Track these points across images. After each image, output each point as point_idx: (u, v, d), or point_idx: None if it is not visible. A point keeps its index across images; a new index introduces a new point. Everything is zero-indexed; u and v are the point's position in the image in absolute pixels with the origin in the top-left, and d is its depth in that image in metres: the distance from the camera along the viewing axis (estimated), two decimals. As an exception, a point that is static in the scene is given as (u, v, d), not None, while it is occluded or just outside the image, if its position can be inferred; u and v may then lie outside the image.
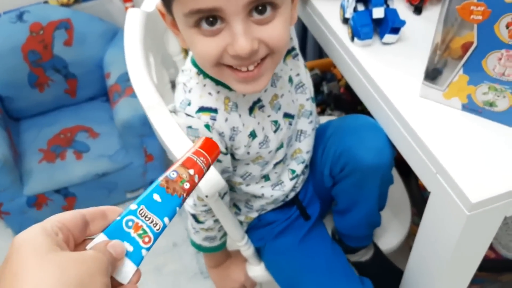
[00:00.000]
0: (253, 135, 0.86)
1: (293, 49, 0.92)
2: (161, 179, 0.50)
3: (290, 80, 0.92)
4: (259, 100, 0.86)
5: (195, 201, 0.92)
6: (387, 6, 0.87)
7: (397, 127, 0.81)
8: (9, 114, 1.75)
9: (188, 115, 0.80)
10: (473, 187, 0.68)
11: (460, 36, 0.72)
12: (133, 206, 0.48)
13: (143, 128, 1.57)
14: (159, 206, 0.49)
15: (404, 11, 0.97)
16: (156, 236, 0.48)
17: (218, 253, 1.07)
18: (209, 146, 0.53)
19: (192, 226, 0.98)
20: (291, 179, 0.99)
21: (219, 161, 0.86)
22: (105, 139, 1.70)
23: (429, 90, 0.79)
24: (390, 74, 0.84)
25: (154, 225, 0.48)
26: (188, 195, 0.51)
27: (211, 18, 0.65)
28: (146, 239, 0.47)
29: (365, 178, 0.90)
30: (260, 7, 0.66)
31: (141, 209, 0.48)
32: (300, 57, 0.94)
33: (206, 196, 0.75)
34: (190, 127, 0.80)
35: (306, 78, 0.96)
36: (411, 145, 0.78)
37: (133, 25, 0.87)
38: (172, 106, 0.84)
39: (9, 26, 1.61)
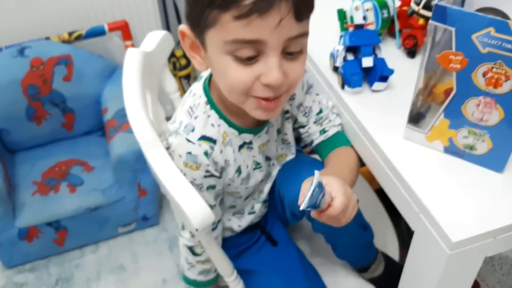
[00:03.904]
0: (239, 171, 0.91)
1: (287, 112, 0.97)
2: None
3: (279, 131, 0.98)
4: (250, 142, 0.91)
5: (193, 233, 0.94)
6: (376, 55, 0.92)
7: (382, 167, 0.84)
8: (5, 146, 1.77)
9: (189, 141, 0.84)
10: (454, 227, 0.71)
11: (443, 82, 0.76)
12: None
13: (137, 163, 1.59)
14: None
15: (398, 54, 1.02)
16: None
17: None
18: None
19: (187, 261, 1.00)
20: (249, 213, 1.05)
21: (213, 187, 0.90)
22: (100, 173, 1.72)
23: (413, 133, 0.83)
24: (378, 118, 0.89)
25: None
26: None
27: (250, 48, 0.71)
28: None
29: None
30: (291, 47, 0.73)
31: None
32: (291, 119, 0.99)
33: (197, 230, 0.77)
34: (189, 153, 0.84)
35: (292, 138, 1.02)
36: (395, 185, 0.81)
37: (131, 64, 0.91)
38: (174, 126, 0.87)
39: (10, 60, 1.66)
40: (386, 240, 1.19)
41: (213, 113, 0.86)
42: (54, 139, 1.84)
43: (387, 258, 1.13)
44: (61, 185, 1.68)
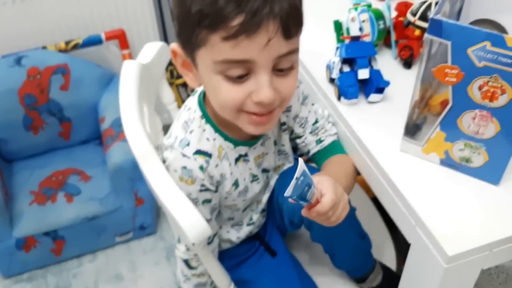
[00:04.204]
0: (236, 184, 0.91)
1: (283, 124, 0.98)
2: None
3: (275, 143, 0.98)
4: (246, 155, 0.91)
5: (188, 246, 0.94)
6: (372, 67, 0.92)
7: (379, 179, 0.84)
8: (2, 156, 1.77)
9: (184, 155, 0.84)
10: (450, 240, 0.71)
11: (439, 94, 0.76)
12: None
13: (134, 172, 1.59)
14: None
15: (394, 65, 1.02)
16: None
17: None
18: None
19: (183, 273, 0.99)
20: (248, 224, 1.04)
21: (208, 201, 0.89)
22: (97, 182, 1.71)
23: (409, 145, 0.83)
24: (374, 130, 0.89)
25: None
26: None
27: (240, 67, 0.71)
28: None
29: None
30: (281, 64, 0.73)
31: None
32: (287, 131, 0.99)
33: (193, 244, 0.77)
34: (185, 167, 0.84)
35: (289, 148, 1.03)
36: (392, 198, 0.81)
37: (128, 76, 0.91)
38: (169, 140, 0.87)
39: (7, 69, 1.65)
40: (383, 249, 1.19)
41: (208, 127, 0.86)
42: (51, 148, 1.83)
43: (385, 268, 1.13)
44: (58, 194, 1.67)
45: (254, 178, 0.95)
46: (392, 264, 1.17)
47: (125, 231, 1.75)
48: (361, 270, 1.08)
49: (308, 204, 0.71)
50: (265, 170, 0.98)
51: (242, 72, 0.72)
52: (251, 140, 0.91)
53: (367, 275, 1.08)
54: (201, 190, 0.86)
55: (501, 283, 1.28)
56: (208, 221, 0.91)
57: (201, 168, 0.84)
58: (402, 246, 1.34)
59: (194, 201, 0.86)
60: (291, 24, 0.70)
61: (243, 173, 0.92)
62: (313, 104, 0.99)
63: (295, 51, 0.74)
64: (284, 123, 0.97)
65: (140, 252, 1.77)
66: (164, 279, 1.67)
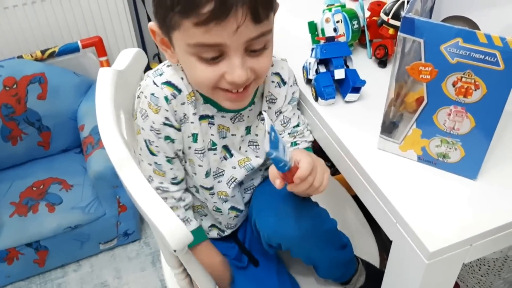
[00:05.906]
0: (195, 138, 0.91)
1: (260, 113, 0.98)
2: None
3: (249, 130, 0.97)
4: (212, 117, 0.92)
5: (152, 177, 0.93)
6: (347, 67, 0.93)
7: (358, 178, 0.84)
8: (-19, 168, 1.74)
9: (154, 83, 0.87)
10: (431, 236, 0.71)
11: (414, 91, 0.77)
12: None
13: (116, 179, 1.58)
14: None
15: (370, 64, 1.03)
16: None
17: (207, 244, 1.04)
18: None
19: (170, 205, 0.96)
20: (215, 219, 1.06)
21: (172, 140, 0.89)
22: (78, 191, 1.70)
23: (386, 143, 0.84)
24: (352, 129, 0.89)
25: None
26: None
27: (212, 50, 0.75)
28: None
29: (304, 245, 0.92)
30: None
31: None
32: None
33: (175, 251, 0.77)
34: (153, 94, 0.86)
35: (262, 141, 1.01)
36: (372, 196, 0.81)
37: (104, 84, 0.90)
38: (151, 71, 0.90)
39: (-17, 80, 1.63)
40: (365, 246, 1.20)
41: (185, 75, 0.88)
42: (31, 158, 1.81)
43: (368, 266, 1.13)
44: (39, 204, 1.65)
45: (213, 146, 0.94)
46: (375, 260, 1.18)
47: (109, 238, 1.74)
48: (344, 276, 1.08)
49: (288, 170, 0.73)
50: (226, 148, 0.97)
51: (215, 54, 0.75)
52: (223, 108, 0.91)
53: (350, 278, 1.09)
54: (164, 123, 0.87)
55: (483, 275, 1.30)
56: (172, 160, 0.91)
57: (166, 99, 0.86)
58: (384, 242, 1.35)
59: (157, 133, 0.87)
60: (260, 9, 0.72)
61: (203, 135, 0.92)
62: (298, 109, 1.00)
63: (266, 33, 0.76)
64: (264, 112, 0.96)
65: (125, 259, 1.76)
66: (150, 285, 1.66)
